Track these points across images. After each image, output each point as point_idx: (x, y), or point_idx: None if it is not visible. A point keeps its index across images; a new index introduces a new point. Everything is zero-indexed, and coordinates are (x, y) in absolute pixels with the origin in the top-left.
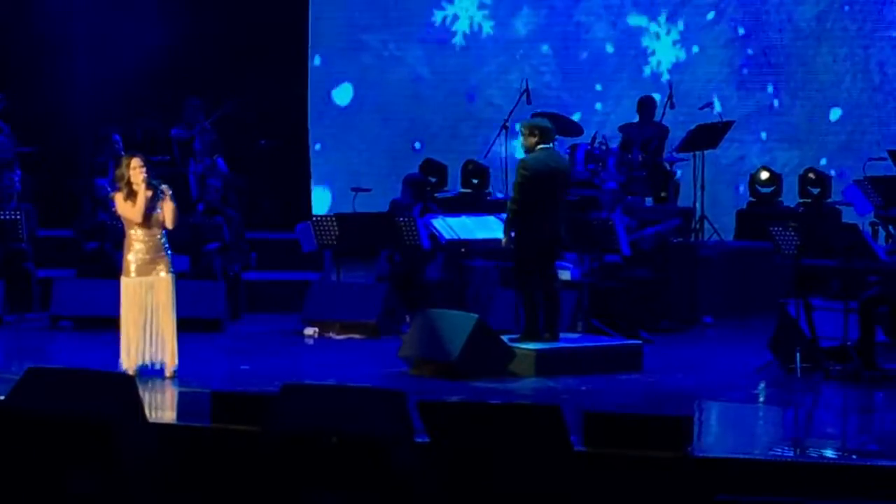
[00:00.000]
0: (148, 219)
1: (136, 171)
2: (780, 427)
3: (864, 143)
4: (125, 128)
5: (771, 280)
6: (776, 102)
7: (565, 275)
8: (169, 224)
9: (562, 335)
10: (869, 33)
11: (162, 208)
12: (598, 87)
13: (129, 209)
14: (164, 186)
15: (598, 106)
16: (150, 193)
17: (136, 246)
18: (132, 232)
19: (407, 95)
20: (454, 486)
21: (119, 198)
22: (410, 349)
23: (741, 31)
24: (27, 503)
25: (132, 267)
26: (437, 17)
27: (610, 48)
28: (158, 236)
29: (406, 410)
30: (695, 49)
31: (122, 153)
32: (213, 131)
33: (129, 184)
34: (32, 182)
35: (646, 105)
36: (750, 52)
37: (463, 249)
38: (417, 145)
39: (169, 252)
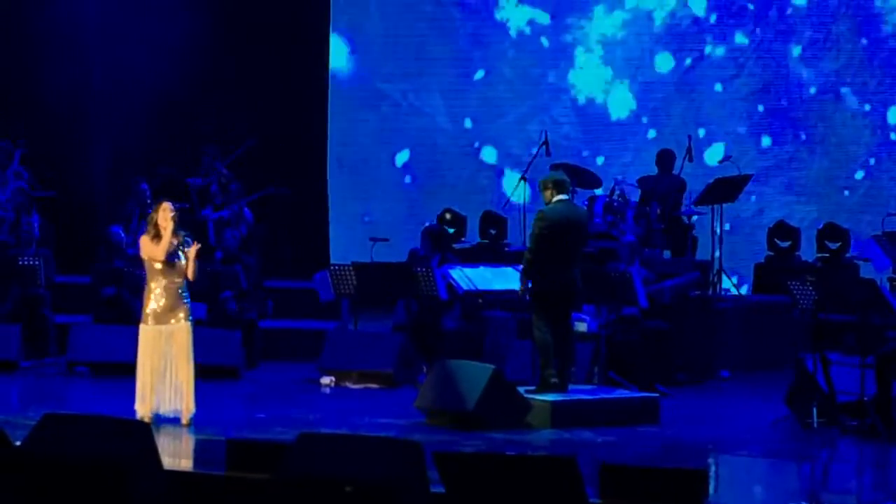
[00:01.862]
0: (171, 264)
1: (164, 212)
2: (796, 481)
3: (882, 197)
4: (144, 175)
5: (788, 334)
6: (795, 156)
7: (582, 326)
8: (190, 275)
9: (578, 387)
10: (888, 88)
11: (187, 257)
12: (617, 140)
13: (153, 248)
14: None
15: (617, 158)
16: (175, 241)
17: (157, 293)
18: (153, 281)
19: (426, 145)
20: None
21: (145, 239)
22: (427, 399)
23: (761, 84)
24: None
25: (151, 315)
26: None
27: (630, 100)
28: (178, 285)
29: (422, 460)
30: (714, 102)
31: (149, 201)
32: (235, 178)
33: (156, 226)
34: (51, 228)
35: (664, 158)
36: (770, 105)
37: (480, 300)
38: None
39: (188, 300)
